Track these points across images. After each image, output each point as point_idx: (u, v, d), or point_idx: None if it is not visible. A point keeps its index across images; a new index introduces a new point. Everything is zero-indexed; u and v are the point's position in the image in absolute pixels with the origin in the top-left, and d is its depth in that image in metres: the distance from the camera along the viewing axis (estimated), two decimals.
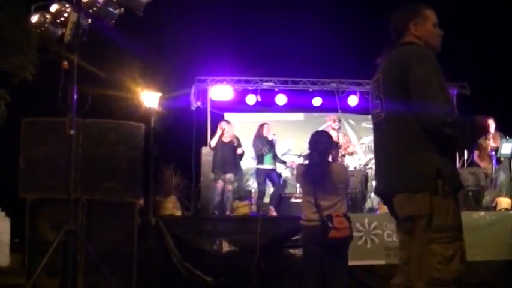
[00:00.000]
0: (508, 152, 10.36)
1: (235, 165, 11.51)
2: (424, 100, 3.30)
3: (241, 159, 11.75)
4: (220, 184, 11.05)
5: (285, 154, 13.09)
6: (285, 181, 12.69)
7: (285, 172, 12.72)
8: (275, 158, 11.70)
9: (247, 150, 12.48)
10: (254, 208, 11.08)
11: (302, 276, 5.79)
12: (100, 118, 7.24)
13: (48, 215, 6.71)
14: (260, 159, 11.56)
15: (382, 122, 3.62)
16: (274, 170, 11.65)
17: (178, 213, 9.78)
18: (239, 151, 11.44)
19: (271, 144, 11.57)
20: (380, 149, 3.72)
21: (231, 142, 11.41)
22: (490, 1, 15.13)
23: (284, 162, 12.06)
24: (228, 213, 10.78)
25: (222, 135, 11.30)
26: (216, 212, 10.77)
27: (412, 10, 3.70)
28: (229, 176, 11.19)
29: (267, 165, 11.51)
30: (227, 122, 11.83)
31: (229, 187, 11.15)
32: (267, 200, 11.64)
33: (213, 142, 11.32)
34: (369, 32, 15.60)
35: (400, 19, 3.72)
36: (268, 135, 11.59)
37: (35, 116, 7.11)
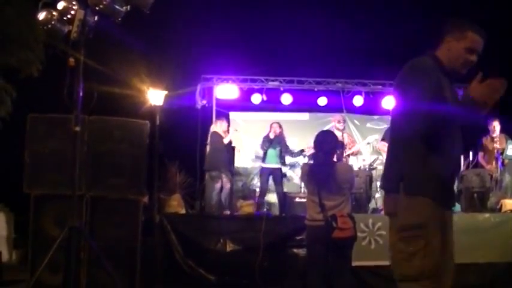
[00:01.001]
0: None
1: (232, 163, 11.69)
2: (408, 106, 3.44)
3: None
4: (219, 183, 11.11)
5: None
6: (288, 180, 12.71)
7: (289, 172, 12.74)
8: (281, 156, 11.71)
9: (251, 149, 12.53)
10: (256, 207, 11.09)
11: (306, 276, 5.78)
12: (105, 115, 7.24)
13: (52, 211, 6.71)
14: (263, 157, 11.67)
15: (391, 123, 3.93)
16: (278, 169, 11.66)
17: (183, 211, 9.78)
18: (236, 150, 11.68)
19: (270, 142, 11.59)
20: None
21: (230, 141, 11.55)
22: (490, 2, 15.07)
23: (301, 152, 12.07)
24: (228, 211, 10.83)
25: (226, 135, 11.39)
26: (214, 211, 10.82)
27: (457, 25, 3.74)
28: (229, 174, 11.31)
29: (270, 164, 11.54)
30: (225, 120, 11.94)
31: (229, 185, 11.22)
32: (268, 198, 11.68)
33: (226, 140, 11.37)
34: (375, 32, 15.61)
35: (443, 28, 3.78)
36: (270, 134, 11.64)
37: (41, 112, 7.11)
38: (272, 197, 12.14)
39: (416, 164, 3.50)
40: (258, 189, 12.11)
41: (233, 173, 12.31)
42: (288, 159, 12.40)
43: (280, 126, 11.81)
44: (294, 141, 12.85)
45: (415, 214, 3.45)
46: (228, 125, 11.97)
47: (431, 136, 3.43)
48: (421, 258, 3.41)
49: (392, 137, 3.73)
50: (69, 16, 5.39)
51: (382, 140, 10.92)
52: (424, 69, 3.54)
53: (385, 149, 10.28)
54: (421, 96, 3.39)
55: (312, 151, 11.41)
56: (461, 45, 3.67)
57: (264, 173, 11.63)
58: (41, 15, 5.45)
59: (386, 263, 8.64)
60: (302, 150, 11.97)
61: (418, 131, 3.41)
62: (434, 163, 3.52)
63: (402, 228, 3.46)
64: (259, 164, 12.34)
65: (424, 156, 3.50)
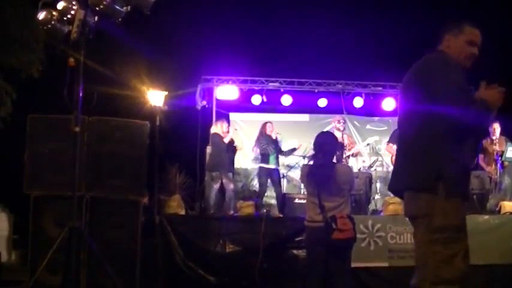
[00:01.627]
0: None
1: (233, 164, 11.73)
2: (449, 104, 3.42)
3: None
4: (218, 183, 11.13)
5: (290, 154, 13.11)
6: (287, 181, 12.71)
7: (289, 173, 12.73)
8: (278, 157, 11.71)
9: (250, 150, 12.54)
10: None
11: (306, 277, 5.78)
12: (105, 116, 7.24)
13: (52, 211, 6.72)
14: (265, 158, 11.59)
15: (401, 123, 3.84)
16: (276, 170, 11.66)
17: (182, 212, 9.77)
18: (238, 150, 11.73)
19: (275, 143, 11.60)
20: (398, 147, 3.94)
21: (231, 141, 11.55)
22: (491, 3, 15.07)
23: (292, 151, 12.08)
24: (231, 212, 10.82)
25: (226, 135, 11.40)
26: (213, 212, 10.84)
27: (454, 23, 3.85)
28: (230, 174, 11.32)
29: (271, 165, 11.53)
30: (226, 121, 11.93)
31: (231, 186, 11.20)
32: (267, 199, 11.67)
33: (227, 140, 11.36)
34: (375, 34, 15.62)
35: (442, 28, 3.88)
36: (272, 134, 11.63)
37: (41, 112, 7.12)
38: (271, 198, 12.13)
39: (455, 163, 3.49)
40: (257, 190, 12.09)
41: (234, 173, 12.32)
42: (282, 159, 12.42)
43: (272, 126, 11.82)
44: (293, 143, 12.85)
45: (454, 215, 3.44)
46: (228, 126, 11.96)
47: (467, 134, 3.50)
48: (461, 260, 3.39)
49: (421, 134, 3.55)
50: (69, 16, 5.39)
51: (389, 142, 10.91)
52: (456, 66, 3.60)
53: (392, 151, 10.35)
54: (459, 92, 3.44)
55: (304, 150, 11.47)
56: (460, 39, 3.77)
57: (263, 173, 11.63)
58: (41, 15, 5.45)
59: (386, 264, 8.69)
60: (293, 149, 11.98)
61: (459, 128, 3.43)
62: (464, 163, 3.57)
63: (439, 229, 3.40)
64: (257, 165, 12.35)
65: (459, 156, 3.52)
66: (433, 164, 3.47)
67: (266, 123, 11.87)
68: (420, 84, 3.59)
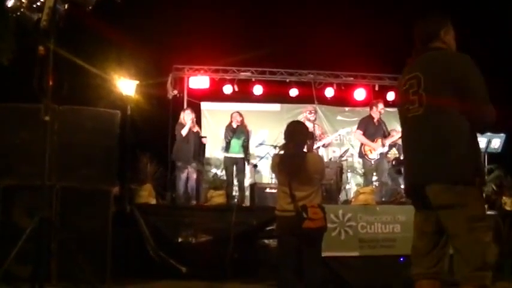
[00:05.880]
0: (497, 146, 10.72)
1: (201, 154, 11.72)
2: (481, 103, 3.62)
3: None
4: (185, 173, 11.21)
5: (261, 144, 13.15)
6: (257, 172, 12.77)
7: (259, 162, 12.77)
8: (244, 146, 11.78)
9: (220, 140, 12.58)
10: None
11: (277, 266, 5.80)
12: (76, 105, 7.19)
13: (22, 202, 6.67)
14: (226, 147, 11.79)
15: (420, 117, 3.82)
16: (241, 158, 11.72)
17: (153, 201, 9.74)
18: (204, 140, 11.91)
19: (233, 132, 11.64)
20: (415, 142, 3.91)
21: (198, 132, 11.60)
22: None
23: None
24: (194, 202, 10.88)
25: (193, 125, 11.43)
26: (182, 201, 10.90)
27: (443, 19, 3.99)
28: (195, 164, 11.36)
29: (233, 153, 11.60)
30: (191, 110, 11.90)
31: (195, 176, 11.28)
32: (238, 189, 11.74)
33: (185, 131, 11.36)
34: (346, 24, 15.66)
35: (432, 25, 3.97)
36: (233, 123, 11.68)
37: (11, 101, 7.04)
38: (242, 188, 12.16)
39: (480, 156, 3.78)
40: (235, 181, 12.12)
41: (202, 163, 12.34)
42: (254, 150, 12.48)
43: (240, 115, 11.84)
44: (264, 132, 12.89)
45: (482, 205, 3.70)
46: (197, 115, 11.96)
47: (487, 130, 3.81)
48: (494, 246, 3.63)
49: (456, 129, 3.68)
50: (38, 4, 5.30)
51: (358, 128, 11.15)
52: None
53: (361, 138, 10.58)
54: (487, 91, 3.64)
55: (275, 139, 11.53)
56: (451, 35, 3.96)
57: (228, 163, 11.69)
58: (10, 2, 5.36)
59: (356, 253, 8.74)
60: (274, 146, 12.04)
61: (490, 124, 3.67)
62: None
63: (474, 218, 3.56)
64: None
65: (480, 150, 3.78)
66: (471, 157, 3.65)
67: (233, 113, 11.98)
68: (449, 82, 3.67)
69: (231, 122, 11.83)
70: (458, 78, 3.64)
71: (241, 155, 11.75)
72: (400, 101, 4.05)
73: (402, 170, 11.63)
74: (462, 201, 3.57)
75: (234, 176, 11.72)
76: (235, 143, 11.68)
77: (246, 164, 12.13)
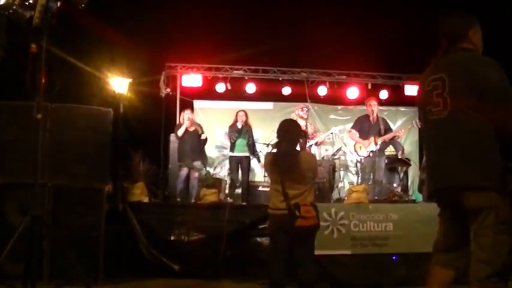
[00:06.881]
0: None
1: (201, 153, 11.76)
2: (505, 106, 3.61)
3: (205, 144, 12.05)
4: (184, 172, 11.21)
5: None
6: (251, 170, 12.77)
7: (253, 161, 12.77)
8: (249, 145, 11.76)
9: (213, 138, 12.56)
10: (222, 196, 11.10)
11: (269, 264, 5.80)
12: (68, 103, 7.18)
13: (14, 199, 6.65)
14: (231, 146, 11.81)
15: (444, 120, 3.80)
16: (246, 157, 11.72)
17: (146, 199, 9.74)
18: (202, 137, 11.75)
19: (239, 132, 11.64)
20: (443, 145, 3.86)
21: (196, 130, 11.56)
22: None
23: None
24: (193, 200, 10.86)
25: (189, 125, 11.44)
26: (178, 200, 10.90)
27: (472, 19, 3.97)
28: (197, 163, 11.35)
29: (238, 152, 11.61)
30: (191, 110, 11.93)
31: (196, 175, 11.28)
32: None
33: (180, 132, 11.41)
34: (339, 22, 15.64)
35: (461, 25, 3.95)
36: (238, 123, 11.68)
37: (3, 99, 7.02)
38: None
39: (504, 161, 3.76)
40: (227, 180, 12.11)
41: (205, 163, 12.30)
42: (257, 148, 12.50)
43: (246, 114, 11.86)
44: (257, 131, 12.88)
45: (509, 210, 3.68)
46: (190, 118, 11.96)
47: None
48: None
49: (483, 134, 3.69)
50: (31, 1, 5.29)
51: (353, 128, 11.21)
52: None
53: (355, 138, 10.65)
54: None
55: (268, 137, 11.54)
56: (479, 35, 3.95)
57: (233, 162, 11.70)
58: (2, 0, 5.35)
59: (349, 252, 8.76)
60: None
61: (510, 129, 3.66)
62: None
63: (505, 221, 3.62)
64: (223, 153, 12.40)
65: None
66: (500, 163, 3.68)
67: (238, 112, 12.07)
68: (474, 86, 3.66)
69: (236, 121, 11.83)
70: (483, 82, 3.64)
71: (246, 154, 11.77)
72: (422, 101, 4.03)
73: (397, 168, 11.68)
74: (492, 203, 3.61)
75: (237, 175, 11.75)
76: (240, 143, 11.71)
77: (257, 161, 12.23)
